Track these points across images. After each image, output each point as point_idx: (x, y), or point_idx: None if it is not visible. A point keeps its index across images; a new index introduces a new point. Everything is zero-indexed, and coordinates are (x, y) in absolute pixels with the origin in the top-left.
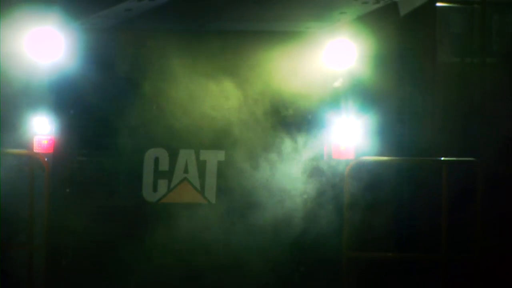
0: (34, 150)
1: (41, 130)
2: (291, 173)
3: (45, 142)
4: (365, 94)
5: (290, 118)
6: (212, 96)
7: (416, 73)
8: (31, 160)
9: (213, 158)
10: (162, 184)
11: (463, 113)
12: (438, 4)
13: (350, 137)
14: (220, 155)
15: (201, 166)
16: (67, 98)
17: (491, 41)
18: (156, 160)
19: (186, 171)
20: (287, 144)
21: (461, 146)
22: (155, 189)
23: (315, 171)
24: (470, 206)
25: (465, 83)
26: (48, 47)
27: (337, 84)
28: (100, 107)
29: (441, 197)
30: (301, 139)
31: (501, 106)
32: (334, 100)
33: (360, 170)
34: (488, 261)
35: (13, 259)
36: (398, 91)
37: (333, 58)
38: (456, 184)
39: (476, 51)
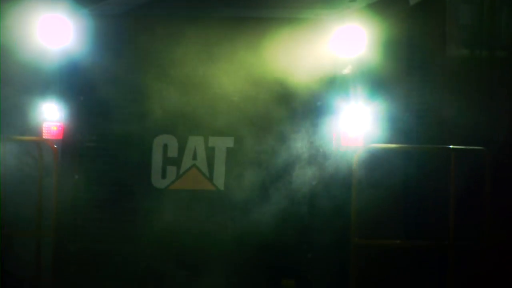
0: (43, 137)
1: (51, 116)
2: (299, 160)
3: (54, 128)
4: (374, 82)
5: (299, 105)
6: (221, 83)
7: (425, 61)
8: (40, 147)
9: (221, 145)
10: (171, 171)
11: (471, 103)
12: None
13: (359, 125)
14: (229, 142)
15: (210, 153)
16: (77, 85)
17: (500, 33)
18: (165, 147)
19: (195, 157)
20: (296, 131)
21: (469, 135)
22: (164, 175)
23: (323, 158)
24: (478, 195)
25: (473, 74)
26: (58, 34)
27: (346, 71)
28: (109, 93)
29: (449, 185)
30: (310, 126)
31: (509, 98)
32: (343, 87)
33: (369, 157)
34: (495, 249)
35: (17, 257)
36: (407, 79)
37: (342, 45)
38: (464, 172)
39: (485, 43)
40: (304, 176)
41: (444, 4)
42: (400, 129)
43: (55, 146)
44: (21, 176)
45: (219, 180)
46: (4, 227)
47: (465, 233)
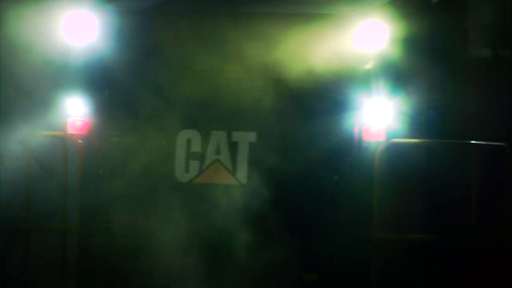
0: (68, 132)
1: (75, 111)
2: (321, 155)
3: (79, 123)
4: (396, 77)
5: (321, 100)
6: (244, 78)
7: (447, 57)
8: (65, 142)
9: (244, 139)
10: (194, 165)
11: (493, 99)
12: None
13: (381, 119)
14: (252, 137)
15: (233, 148)
16: (102, 80)
17: None
18: (189, 142)
19: (218, 152)
20: (318, 125)
21: (491, 131)
22: (187, 170)
23: (345, 153)
24: (500, 190)
25: (495, 70)
26: (83, 30)
27: (369, 66)
28: (133, 89)
29: (471, 180)
30: (332, 121)
31: None
32: (366, 82)
33: (391, 152)
34: None
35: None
36: (429, 74)
37: (365, 40)
38: (486, 167)
39: (507, 40)
40: (326, 171)
41: (466, 3)
42: (422, 124)
43: (80, 141)
44: (46, 171)
45: (242, 174)
46: (29, 223)
47: (486, 228)
